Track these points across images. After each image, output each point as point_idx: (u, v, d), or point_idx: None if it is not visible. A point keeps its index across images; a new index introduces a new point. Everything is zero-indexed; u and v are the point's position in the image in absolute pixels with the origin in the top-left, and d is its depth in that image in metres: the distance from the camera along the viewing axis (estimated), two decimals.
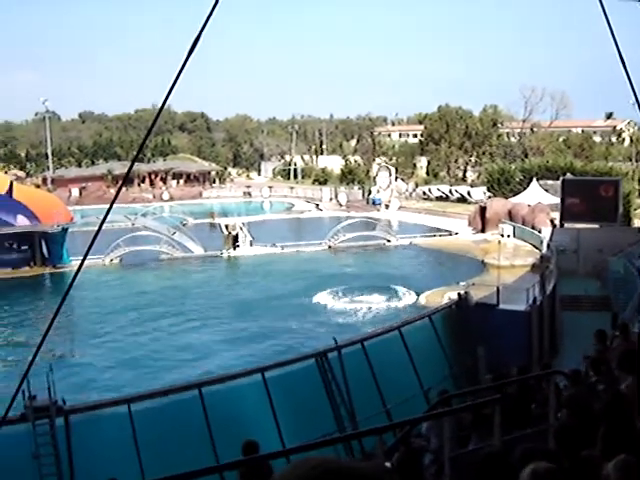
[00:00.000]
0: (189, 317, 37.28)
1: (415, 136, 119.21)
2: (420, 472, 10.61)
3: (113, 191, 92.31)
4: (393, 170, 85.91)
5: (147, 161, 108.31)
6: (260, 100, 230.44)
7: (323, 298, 39.55)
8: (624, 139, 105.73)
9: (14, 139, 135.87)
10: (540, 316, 25.79)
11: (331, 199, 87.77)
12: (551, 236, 42.36)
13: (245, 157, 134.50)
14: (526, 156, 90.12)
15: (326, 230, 58.50)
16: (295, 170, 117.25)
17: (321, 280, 42.96)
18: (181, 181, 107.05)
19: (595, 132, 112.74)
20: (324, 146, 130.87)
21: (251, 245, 54.71)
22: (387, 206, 78.92)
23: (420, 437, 11.75)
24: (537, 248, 46.60)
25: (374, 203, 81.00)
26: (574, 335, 25.31)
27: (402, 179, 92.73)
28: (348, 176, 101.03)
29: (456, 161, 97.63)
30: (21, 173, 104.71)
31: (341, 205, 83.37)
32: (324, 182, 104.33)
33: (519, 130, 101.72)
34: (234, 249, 53.74)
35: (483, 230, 59.11)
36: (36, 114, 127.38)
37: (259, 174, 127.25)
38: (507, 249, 48.09)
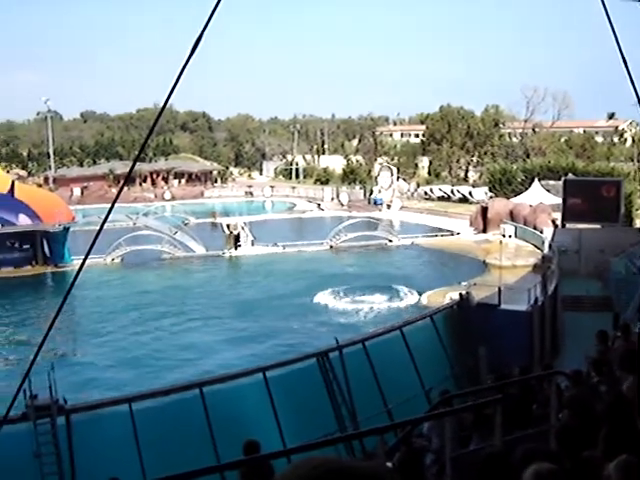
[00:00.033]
0: (190, 317, 37.29)
1: (417, 136, 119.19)
2: (421, 472, 10.61)
3: (115, 190, 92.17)
4: (395, 170, 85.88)
5: (149, 161, 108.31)
6: (262, 100, 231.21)
7: (324, 298, 39.54)
8: (626, 139, 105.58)
9: (16, 138, 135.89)
10: (542, 316, 25.78)
11: (333, 199, 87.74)
12: (553, 236, 42.36)
13: (247, 157, 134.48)
14: (528, 156, 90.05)
15: (328, 230, 58.49)
16: (297, 170, 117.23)
17: (323, 280, 42.95)
18: (183, 181, 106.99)
19: (597, 132, 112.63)
20: (326, 146, 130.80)
21: (253, 245, 54.71)
22: (389, 206, 78.88)
23: (421, 437, 11.75)
24: (539, 248, 46.58)
25: (376, 203, 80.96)
26: (575, 335, 25.30)
27: (404, 179, 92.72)
28: (350, 176, 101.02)
29: (458, 161, 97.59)
30: (23, 172, 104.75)
31: (343, 205, 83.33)
32: (326, 182, 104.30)
33: (521, 130, 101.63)
34: (236, 249, 53.74)
35: (485, 230, 59.08)
36: (38, 113, 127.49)
37: (261, 174, 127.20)
38: (509, 249, 48.07)
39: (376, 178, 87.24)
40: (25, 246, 51.17)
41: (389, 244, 56.84)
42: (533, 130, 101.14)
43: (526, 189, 66.66)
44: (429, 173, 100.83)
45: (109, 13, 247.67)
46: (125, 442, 15.54)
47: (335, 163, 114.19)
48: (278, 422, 17.27)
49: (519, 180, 74.48)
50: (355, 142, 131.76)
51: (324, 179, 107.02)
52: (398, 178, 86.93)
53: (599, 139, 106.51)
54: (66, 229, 50.14)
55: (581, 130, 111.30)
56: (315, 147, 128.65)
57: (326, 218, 75.51)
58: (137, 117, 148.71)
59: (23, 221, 49.19)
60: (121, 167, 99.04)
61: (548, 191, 62.66)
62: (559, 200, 46.65)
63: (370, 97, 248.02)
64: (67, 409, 15.57)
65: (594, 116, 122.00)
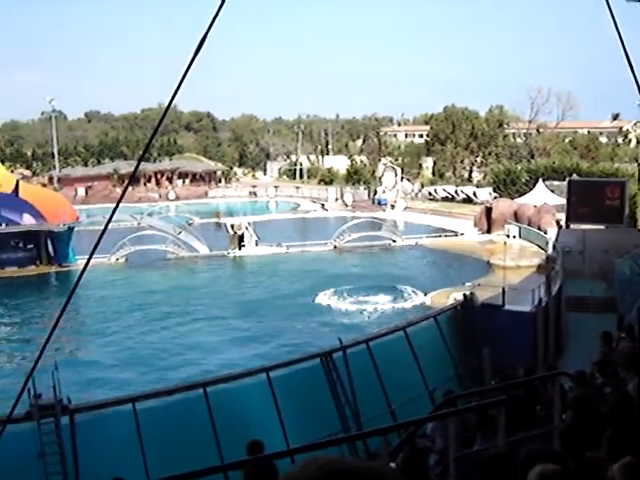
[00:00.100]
0: (194, 316, 37.31)
1: (421, 136, 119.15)
2: (425, 472, 10.61)
3: (119, 190, 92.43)
4: (399, 170, 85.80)
5: (153, 160, 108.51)
6: (266, 100, 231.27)
7: (328, 298, 39.51)
8: (630, 140, 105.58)
9: (20, 138, 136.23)
10: (545, 317, 25.76)
11: (337, 199, 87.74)
12: (557, 237, 42.29)
13: (251, 157, 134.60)
14: (532, 157, 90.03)
15: (332, 230, 58.48)
16: (301, 170, 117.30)
17: (327, 280, 42.93)
18: (187, 181, 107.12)
19: (601, 133, 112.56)
20: (330, 146, 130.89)
21: (257, 245, 54.72)
22: (393, 206, 78.85)
23: (425, 438, 11.75)
24: (543, 249, 46.52)
25: (380, 203, 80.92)
26: (579, 336, 25.28)
27: (408, 179, 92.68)
28: (354, 176, 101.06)
29: (462, 162, 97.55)
30: (27, 172, 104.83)
31: (347, 205, 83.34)
32: (330, 182, 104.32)
33: (525, 131, 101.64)
34: (240, 249, 53.76)
35: (489, 231, 59.02)
36: (42, 113, 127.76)
37: (265, 174, 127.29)
38: (513, 250, 47.99)
39: (380, 178, 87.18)
40: (29, 246, 51.26)
41: (393, 244, 56.82)
42: (537, 131, 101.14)
43: (530, 190, 66.59)
44: (433, 173, 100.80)
45: (115, 13, 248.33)
46: (129, 442, 15.56)
47: (339, 163, 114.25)
48: (282, 422, 17.28)
49: (523, 181, 74.45)
50: (359, 142, 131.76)
51: (328, 179, 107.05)
52: (402, 178, 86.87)
53: (603, 140, 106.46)
54: (70, 229, 50.21)
55: (585, 131, 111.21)
56: (319, 147, 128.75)
57: (330, 218, 75.50)
58: (141, 117, 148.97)
59: (27, 221, 49.28)
60: (125, 167, 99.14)
61: (552, 192, 62.59)
62: (563, 201, 46.54)
63: (375, 97, 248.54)
64: (71, 409, 15.59)
65: (599, 117, 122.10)
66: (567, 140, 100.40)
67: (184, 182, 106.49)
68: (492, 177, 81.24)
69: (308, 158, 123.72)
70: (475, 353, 23.68)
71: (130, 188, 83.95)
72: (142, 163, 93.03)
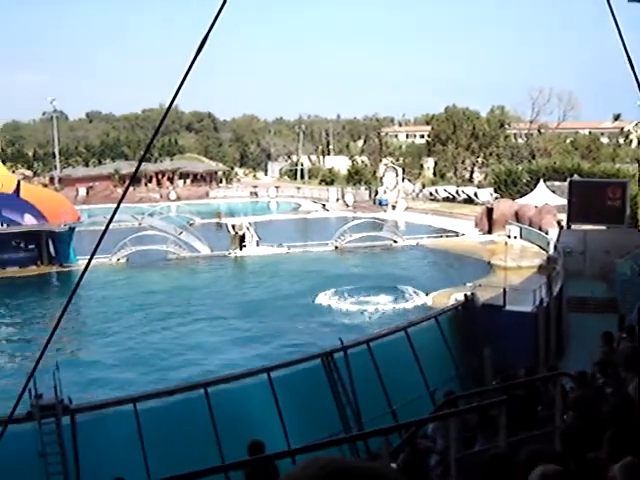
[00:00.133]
0: (195, 317, 37.32)
1: (422, 137, 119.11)
2: (426, 473, 10.61)
3: (120, 191, 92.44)
4: (400, 171, 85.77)
5: (154, 161, 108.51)
6: (267, 100, 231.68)
7: (329, 298, 39.51)
8: (632, 141, 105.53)
9: (22, 138, 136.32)
10: (547, 318, 25.74)
11: (338, 199, 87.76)
12: (558, 237, 42.28)
13: (252, 157, 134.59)
14: (533, 157, 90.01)
15: (333, 230, 58.49)
16: (302, 170, 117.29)
17: (328, 280, 42.93)
18: (188, 181, 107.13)
19: (603, 134, 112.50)
20: (331, 146, 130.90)
21: (258, 245, 54.73)
22: (394, 207, 78.85)
23: (426, 438, 11.75)
24: (544, 249, 46.53)
25: (381, 204, 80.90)
26: (580, 337, 25.26)
27: (409, 180, 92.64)
28: (355, 176, 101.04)
29: (463, 162, 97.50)
30: (28, 172, 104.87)
31: (348, 205, 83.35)
32: (331, 182, 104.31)
33: (526, 131, 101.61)
34: (241, 249, 53.77)
35: (490, 231, 59.02)
36: (44, 113, 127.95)
37: (266, 174, 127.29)
38: (514, 250, 47.99)
39: (381, 179, 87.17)
40: (30, 246, 51.29)
41: (394, 245, 56.82)
42: (539, 131, 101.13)
43: (531, 190, 66.56)
44: (434, 174, 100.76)
45: (117, 13, 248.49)
46: (130, 442, 15.57)
47: (340, 164, 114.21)
48: (283, 422, 17.28)
49: (524, 181, 74.44)
50: (360, 143, 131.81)
51: (329, 180, 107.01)
52: (403, 179, 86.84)
53: (605, 140, 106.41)
54: (71, 229, 50.24)
55: (587, 131, 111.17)
56: (320, 148, 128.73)
57: (331, 219, 75.51)
58: (143, 117, 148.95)
59: (28, 221, 49.31)
60: (126, 167, 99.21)
61: (553, 192, 62.56)
62: (564, 201, 46.51)
63: (375, 98, 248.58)
64: (72, 409, 15.59)
65: (600, 117, 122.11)
66: (568, 140, 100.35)
67: (185, 182, 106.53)
68: (493, 177, 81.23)
69: (309, 158, 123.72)
70: (476, 353, 23.68)
71: (131, 188, 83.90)
72: (143, 163, 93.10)
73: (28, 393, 14.17)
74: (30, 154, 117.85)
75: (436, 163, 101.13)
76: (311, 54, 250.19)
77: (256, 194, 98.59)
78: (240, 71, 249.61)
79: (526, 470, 4.40)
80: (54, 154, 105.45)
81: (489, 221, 59.66)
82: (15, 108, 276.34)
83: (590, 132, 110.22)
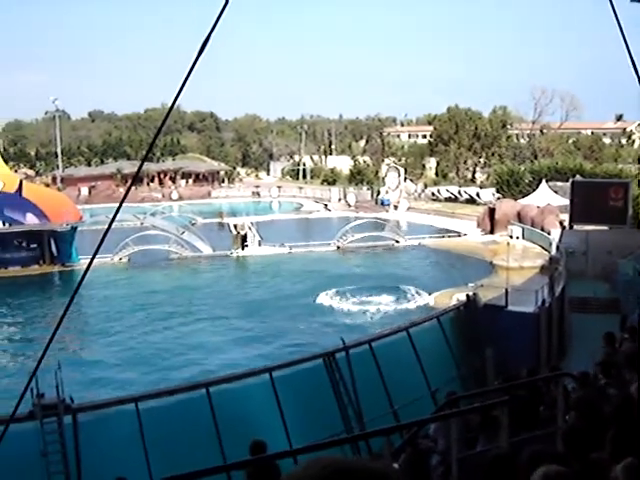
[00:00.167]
0: (197, 316, 37.34)
1: (424, 137, 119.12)
2: (427, 473, 10.61)
3: (122, 190, 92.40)
4: (402, 171, 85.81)
5: (156, 160, 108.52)
6: (269, 100, 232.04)
7: (331, 298, 39.51)
8: (634, 141, 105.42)
9: (24, 138, 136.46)
10: (549, 318, 25.73)
11: (340, 199, 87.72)
12: (560, 238, 42.32)
13: (254, 157, 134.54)
14: (535, 157, 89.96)
15: (335, 230, 58.49)
16: (304, 170, 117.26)
17: (330, 280, 42.94)
18: (190, 181, 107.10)
19: (605, 134, 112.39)
20: (333, 146, 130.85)
21: (260, 245, 54.73)
22: (396, 207, 78.85)
23: (427, 438, 11.74)
24: (546, 250, 46.49)
25: (383, 204, 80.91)
26: (583, 337, 25.24)
27: (411, 180, 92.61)
28: (357, 176, 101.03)
29: (465, 162, 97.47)
30: (31, 172, 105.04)
31: (350, 205, 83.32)
32: (333, 182, 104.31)
33: (528, 131, 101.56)
34: (243, 249, 53.78)
35: (492, 231, 58.99)
36: (46, 113, 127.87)
37: (268, 174, 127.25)
38: (516, 251, 47.98)
39: (383, 179, 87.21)
40: (32, 245, 51.32)
41: (396, 245, 56.80)
42: (541, 131, 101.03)
43: (534, 190, 66.56)
44: (436, 174, 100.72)
45: (120, 13, 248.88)
46: (131, 441, 15.57)
47: (342, 164, 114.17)
48: (284, 422, 17.28)
49: (527, 181, 74.43)
50: (362, 143, 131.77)
51: (331, 180, 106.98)
52: (405, 179, 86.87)
53: (607, 141, 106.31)
54: (74, 228, 50.27)
55: (589, 132, 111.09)
56: (322, 148, 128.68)
57: (333, 219, 75.52)
58: (145, 117, 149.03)
59: (31, 220, 49.34)
60: (129, 167, 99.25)
61: (556, 192, 62.53)
62: (567, 201, 46.56)
63: (378, 98, 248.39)
64: (74, 408, 15.60)
65: (602, 118, 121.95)
66: (570, 141, 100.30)
67: (187, 182, 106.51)
68: (495, 178, 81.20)
69: (311, 158, 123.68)
70: (478, 354, 23.65)
71: (133, 188, 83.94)
72: (145, 163, 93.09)
73: (30, 392, 14.18)
74: (32, 153, 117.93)
75: (438, 163, 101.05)
76: (313, 54, 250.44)
77: (258, 194, 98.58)
78: (242, 71, 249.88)
79: (528, 471, 4.39)
80: (56, 153, 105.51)
81: (491, 221, 59.64)
82: (18, 108, 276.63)
83: (592, 132, 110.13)
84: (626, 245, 35.82)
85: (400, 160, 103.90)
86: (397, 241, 57.22)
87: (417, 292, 40.17)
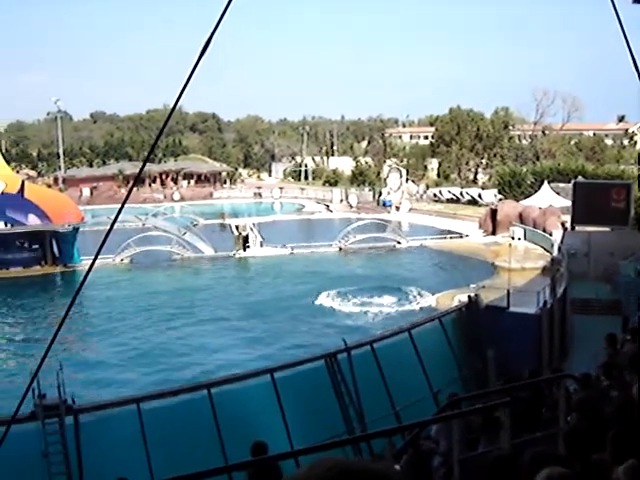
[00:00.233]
0: (199, 317, 37.34)
1: (426, 138, 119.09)
2: (429, 474, 10.61)
3: (124, 191, 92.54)
4: (404, 172, 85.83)
5: (158, 161, 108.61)
6: (271, 101, 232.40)
7: (333, 300, 39.51)
8: (636, 142, 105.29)
9: (26, 138, 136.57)
10: (550, 319, 25.71)
11: (342, 200, 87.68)
12: (562, 239, 42.30)
13: (256, 158, 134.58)
14: (537, 159, 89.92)
15: (336, 231, 58.50)
16: (306, 171, 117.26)
17: (331, 281, 42.94)
18: (192, 181, 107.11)
19: (607, 135, 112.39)
20: (335, 147, 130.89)
21: (261, 246, 54.73)
22: (398, 208, 78.80)
23: (429, 439, 11.75)
24: (548, 251, 46.46)
25: (384, 205, 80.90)
26: (584, 339, 25.26)
27: (413, 181, 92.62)
28: (359, 177, 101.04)
29: (467, 163, 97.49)
30: (33, 172, 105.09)
31: (351, 206, 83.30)
32: (335, 183, 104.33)
33: (530, 132, 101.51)
34: (244, 250, 53.77)
35: (494, 233, 58.94)
36: (48, 114, 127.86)
37: (270, 175, 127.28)
38: (518, 252, 47.97)
39: (385, 180, 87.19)
40: (34, 246, 51.34)
41: (398, 246, 56.79)
42: (543, 132, 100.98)
43: (535, 192, 66.49)
44: (438, 175, 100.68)
45: (121, 13, 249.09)
46: (133, 442, 15.57)
47: (344, 165, 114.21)
48: (286, 423, 17.28)
49: (528, 182, 74.36)
50: (364, 144, 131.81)
51: (333, 181, 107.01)
52: (407, 180, 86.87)
53: (609, 142, 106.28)
54: (75, 229, 50.28)
55: (591, 133, 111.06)
56: (324, 148, 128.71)
57: (335, 220, 75.50)
58: (147, 118, 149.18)
59: (32, 221, 49.37)
60: (130, 168, 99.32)
61: (558, 194, 62.45)
62: (569, 203, 46.54)
63: (379, 99, 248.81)
64: (75, 409, 15.61)
65: (604, 119, 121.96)
66: (572, 142, 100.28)
67: (189, 183, 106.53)
68: (497, 179, 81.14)
69: (313, 159, 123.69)
70: (480, 355, 23.64)
71: (135, 189, 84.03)
72: (147, 164, 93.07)
73: (32, 393, 14.20)
74: (34, 154, 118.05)
75: (440, 164, 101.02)
76: (315, 55, 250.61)
77: (260, 195, 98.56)
78: (244, 72, 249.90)
79: (530, 472, 4.39)
80: (58, 154, 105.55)
81: (493, 222, 59.59)
82: (19, 108, 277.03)
83: (594, 133, 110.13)
84: (628, 246, 35.81)
85: (402, 161, 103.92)
86: (399, 242, 57.21)
87: (419, 293, 40.16)
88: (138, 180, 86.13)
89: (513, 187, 74.93)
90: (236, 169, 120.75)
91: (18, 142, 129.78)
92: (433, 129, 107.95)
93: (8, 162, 64.61)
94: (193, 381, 20.34)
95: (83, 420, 15.70)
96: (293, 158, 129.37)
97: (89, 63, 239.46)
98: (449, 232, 62.30)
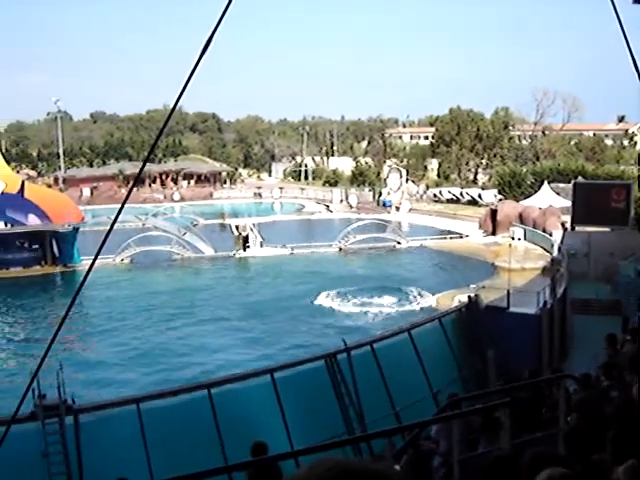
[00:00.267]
0: (199, 317, 37.33)
1: (426, 138, 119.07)
2: (429, 475, 10.61)
3: (124, 191, 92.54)
4: (404, 172, 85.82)
5: (158, 161, 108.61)
6: (271, 101, 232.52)
7: (333, 300, 39.50)
8: (636, 142, 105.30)
9: (26, 139, 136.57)
10: (550, 320, 25.71)
11: (341, 201, 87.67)
12: (562, 239, 42.29)
13: (256, 158, 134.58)
14: (537, 159, 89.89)
15: (336, 232, 58.49)
16: (306, 171, 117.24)
17: (331, 282, 42.93)
18: (192, 182, 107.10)
19: (607, 135, 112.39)
20: (335, 147, 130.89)
21: (261, 246, 54.72)
22: (398, 208, 78.78)
23: (429, 440, 11.75)
24: (548, 251, 46.46)
25: (384, 205, 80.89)
26: (584, 339, 25.26)
27: (413, 181, 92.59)
28: (359, 178, 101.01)
29: (467, 163, 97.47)
30: (33, 172, 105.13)
31: (351, 207, 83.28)
32: (335, 183, 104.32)
33: (530, 133, 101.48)
34: (244, 250, 53.76)
35: (494, 233, 58.93)
36: (48, 114, 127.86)
37: (270, 175, 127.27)
38: (518, 252, 47.96)
39: (385, 180, 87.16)
40: (34, 246, 51.34)
41: (398, 246, 56.78)
42: (543, 133, 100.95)
43: (535, 192, 66.49)
44: (438, 175, 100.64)
45: (121, 13, 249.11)
46: (133, 442, 15.57)
47: (344, 165, 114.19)
48: (286, 423, 17.27)
49: (529, 183, 74.34)
50: (364, 144, 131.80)
51: (333, 181, 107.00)
52: (407, 180, 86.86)
53: (609, 142, 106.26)
54: (75, 229, 50.27)
55: (591, 133, 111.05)
56: (324, 149, 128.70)
57: (335, 220, 75.47)
58: (147, 118, 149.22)
59: (33, 221, 49.36)
60: (130, 168, 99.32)
61: (558, 194, 62.44)
62: (569, 203, 46.54)
63: (379, 99, 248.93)
64: (75, 409, 15.60)
65: (604, 119, 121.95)
66: (572, 142, 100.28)
67: (189, 183, 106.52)
68: (497, 179, 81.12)
69: (313, 159, 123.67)
70: (480, 355, 23.64)
71: (135, 189, 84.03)
72: (147, 164, 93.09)
73: (32, 393, 14.21)
74: (34, 154, 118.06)
75: (440, 164, 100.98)
76: (315, 55, 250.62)
77: (260, 195, 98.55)
78: (244, 72, 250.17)
79: (530, 472, 4.39)
80: (58, 154, 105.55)
81: (493, 223, 59.58)
82: (19, 108, 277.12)
83: (594, 134, 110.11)
84: (628, 247, 35.80)
85: (402, 161, 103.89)
86: (399, 242, 57.20)
87: (419, 293, 40.15)
88: (138, 180, 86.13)
89: (513, 187, 74.93)
90: (236, 169, 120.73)
91: (18, 142, 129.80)
92: (433, 129, 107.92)
93: (8, 162, 64.62)
94: (193, 381, 20.34)
95: (83, 420, 15.70)
96: (293, 158, 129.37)
97: (89, 63, 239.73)
98: (449, 232, 62.28)
